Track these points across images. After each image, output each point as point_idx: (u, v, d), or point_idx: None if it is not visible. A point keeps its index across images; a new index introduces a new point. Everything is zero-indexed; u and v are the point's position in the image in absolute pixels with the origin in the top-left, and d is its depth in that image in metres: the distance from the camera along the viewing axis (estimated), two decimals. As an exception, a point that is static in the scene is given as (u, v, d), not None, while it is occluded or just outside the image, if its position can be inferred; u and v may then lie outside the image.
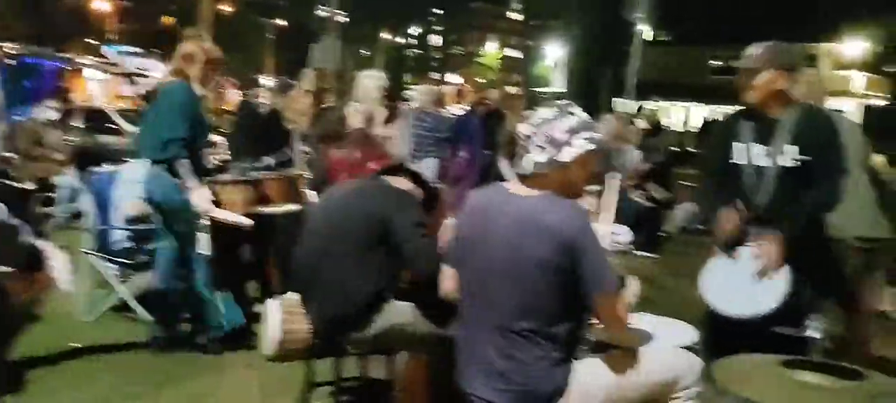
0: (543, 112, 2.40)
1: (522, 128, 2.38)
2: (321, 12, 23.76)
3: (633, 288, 4.24)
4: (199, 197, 4.08)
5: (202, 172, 4.21)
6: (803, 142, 3.06)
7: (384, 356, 3.36)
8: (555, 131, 2.32)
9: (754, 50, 3.17)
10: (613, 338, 2.50)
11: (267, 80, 17.93)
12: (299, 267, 3.16)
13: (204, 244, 4.23)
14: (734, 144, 3.24)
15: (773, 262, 2.94)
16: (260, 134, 6.02)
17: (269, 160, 5.78)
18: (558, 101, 2.45)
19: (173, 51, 4.33)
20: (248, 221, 4.38)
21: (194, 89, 4.17)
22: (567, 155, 2.30)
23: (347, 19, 28.93)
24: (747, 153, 3.19)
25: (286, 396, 3.52)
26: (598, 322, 2.40)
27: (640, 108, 15.95)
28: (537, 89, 38.10)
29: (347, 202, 3.10)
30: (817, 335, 2.34)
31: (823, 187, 3.04)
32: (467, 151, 9.24)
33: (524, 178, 2.37)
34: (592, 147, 2.35)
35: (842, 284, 3.47)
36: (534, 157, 2.32)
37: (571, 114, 2.36)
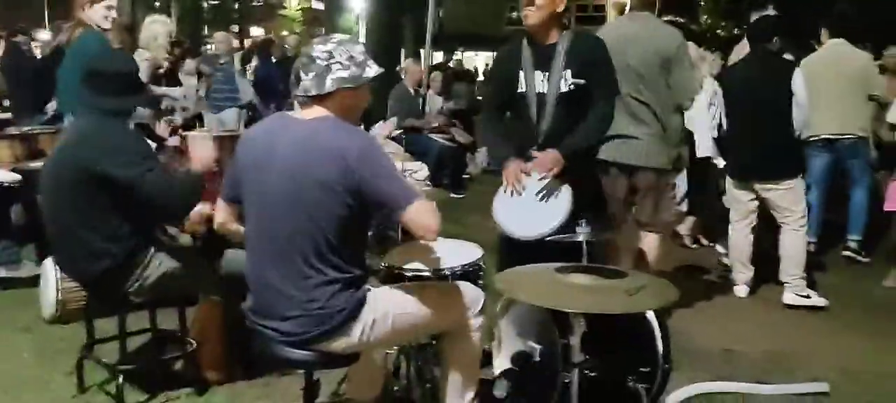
0: (335, 36, 2.41)
1: (310, 50, 2.34)
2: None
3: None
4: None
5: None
6: (577, 65, 3.19)
7: (176, 306, 3.21)
8: (355, 51, 2.33)
9: None
10: (406, 258, 2.55)
11: (42, 32, 16.26)
12: (46, 227, 2.98)
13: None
14: (518, 73, 3.31)
15: (547, 168, 3.04)
16: (34, 82, 5.50)
17: (52, 106, 5.29)
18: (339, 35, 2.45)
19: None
20: (14, 177, 4.00)
21: None
22: (329, 83, 2.30)
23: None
24: (529, 81, 3.28)
25: (65, 356, 3.29)
26: (406, 235, 2.41)
27: (450, 56, 16.29)
28: (343, 41, 37.61)
29: (60, 155, 2.93)
30: (586, 238, 2.54)
31: (597, 110, 3.20)
32: (274, 102, 9.07)
33: (309, 99, 2.35)
34: (359, 78, 2.36)
35: (605, 199, 3.70)
36: (303, 81, 2.31)
37: (330, 40, 2.37)
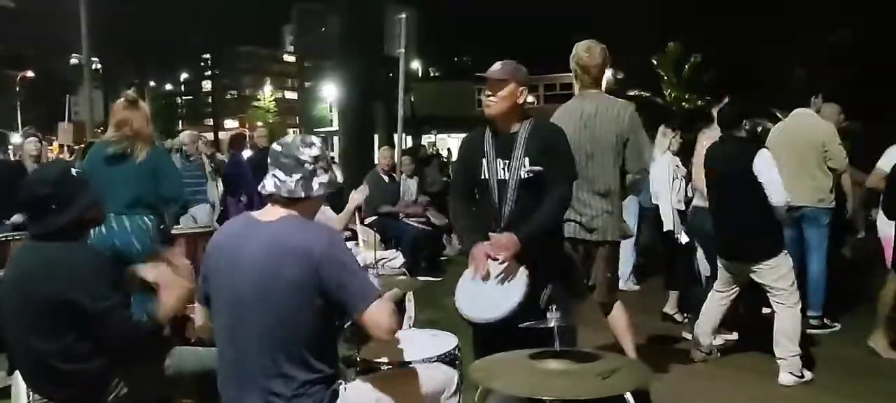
0: (289, 137, 2.48)
1: (294, 151, 2.38)
2: (75, 60, 22.03)
3: (408, 309, 4.37)
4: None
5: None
6: (534, 153, 3.28)
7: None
8: (328, 154, 2.39)
9: (498, 65, 3.36)
10: (383, 350, 2.54)
11: (17, 136, 16.28)
12: (8, 345, 2.85)
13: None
14: (481, 160, 3.40)
15: (503, 253, 3.08)
16: (5, 189, 5.48)
17: (17, 218, 5.26)
18: (299, 132, 2.51)
19: None
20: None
21: None
22: (316, 187, 2.36)
23: (100, 67, 27.04)
24: (491, 168, 3.37)
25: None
26: (366, 335, 2.41)
27: (419, 141, 16.49)
28: (317, 129, 38.16)
29: (24, 281, 2.67)
30: (557, 324, 2.55)
31: (553, 194, 3.25)
32: (245, 195, 9.09)
33: (272, 200, 2.38)
34: (335, 183, 2.45)
35: (575, 279, 3.75)
36: (286, 182, 2.34)
37: (313, 143, 2.42)
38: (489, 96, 3.33)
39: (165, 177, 4.35)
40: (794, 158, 5.48)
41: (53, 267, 2.62)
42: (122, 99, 4.43)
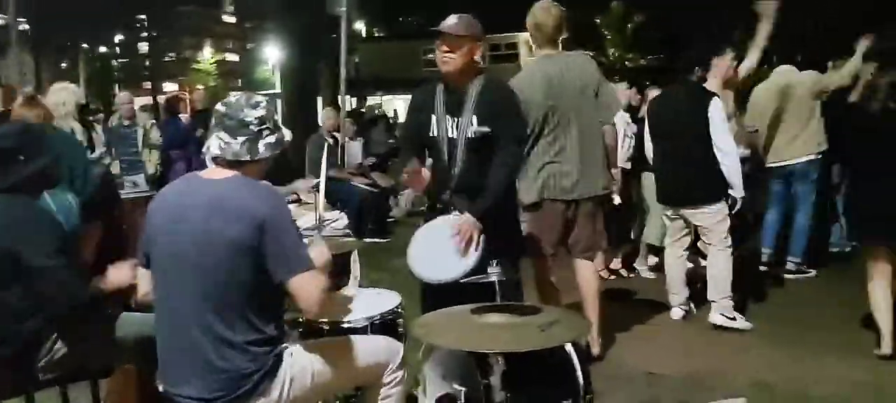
0: (232, 97, 2.40)
1: (238, 113, 2.31)
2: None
3: (354, 270, 4.37)
4: None
5: None
6: (483, 114, 3.24)
7: (88, 379, 3.07)
8: (275, 114, 2.35)
9: (453, 19, 3.25)
10: (314, 318, 2.53)
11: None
12: None
13: None
14: (431, 117, 3.36)
15: (468, 240, 3.08)
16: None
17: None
18: (243, 92, 2.45)
19: None
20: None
21: None
22: (262, 149, 2.32)
23: (29, 28, 25.92)
24: (441, 125, 3.33)
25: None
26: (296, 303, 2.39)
27: (364, 102, 16.33)
28: (260, 92, 37.41)
29: None
30: (498, 278, 2.59)
31: (499, 159, 3.23)
32: (183, 159, 8.89)
33: (216, 161, 2.33)
34: (282, 143, 2.41)
35: (518, 238, 3.74)
36: (231, 144, 2.29)
37: (258, 103, 2.37)
38: (446, 52, 3.24)
39: (72, 159, 4.25)
40: (788, 113, 5.65)
41: (4, 219, 2.64)
42: (20, 97, 4.40)
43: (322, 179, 3.61)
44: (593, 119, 4.04)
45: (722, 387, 3.79)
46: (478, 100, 3.26)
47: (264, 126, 2.32)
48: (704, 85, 4.71)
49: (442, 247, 3.12)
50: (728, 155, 4.53)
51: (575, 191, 3.99)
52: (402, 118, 18.17)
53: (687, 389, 3.81)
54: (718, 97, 4.59)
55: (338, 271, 3.39)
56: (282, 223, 2.23)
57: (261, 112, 2.33)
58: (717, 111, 4.51)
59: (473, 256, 3.04)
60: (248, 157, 2.30)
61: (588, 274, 4.19)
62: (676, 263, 4.91)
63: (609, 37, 34.42)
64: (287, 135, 2.36)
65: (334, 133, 8.74)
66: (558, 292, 4.15)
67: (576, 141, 3.97)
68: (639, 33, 34.00)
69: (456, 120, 3.29)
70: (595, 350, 4.15)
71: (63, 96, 5.36)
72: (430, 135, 3.37)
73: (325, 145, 8.43)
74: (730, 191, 4.58)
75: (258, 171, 2.36)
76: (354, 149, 9.27)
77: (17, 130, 2.88)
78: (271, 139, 2.35)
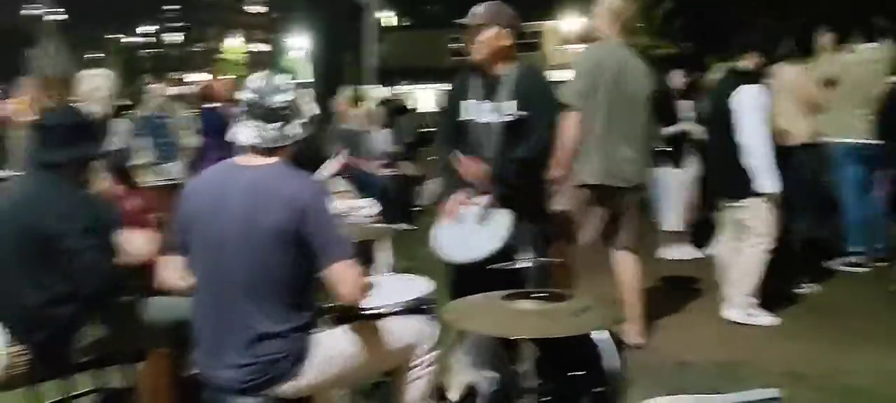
0: (257, 83, 2.37)
1: (268, 100, 2.32)
2: (31, 11, 21.44)
3: (382, 257, 4.37)
4: None
5: None
6: (521, 98, 3.28)
7: (124, 363, 3.11)
8: (275, 101, 2.32)
9: (479, 8, 3.34)
10: (350, 308, 2.53)
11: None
12: None
13: None
14: (462, 103, 3.40)
15: (473, 176, 3.15)
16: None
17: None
18: (265, 74, 2.44)
19: None
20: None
21: None
22: (294, 132, 2.34)
23: (65, 19, 26.36)
24: (475, 110, 3.37)
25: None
26: (333, 291, 2.40)
27: (391, 92, 16.36)
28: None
29: (3, 215, 2.78)
30: (527, 265, 2.57)
31: (532, 137, 3.27)
32: (217, 149, 8.93)
33: (255, 150, 2.34)
34: (311, 123, 2.43)
35: (549, 221, 3.72)
36: (262, 131, 2.30)
37: (285, 88, 2.36)
38: (473, 41, 3.32)
39: None
40: (859, 92, 5.53)
41: (43, 199, 2.69)
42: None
43: (330, 169, 3.65)
44: (644, 111, 4.09)
45: (754, 378, 3.73)
46: (517, 84, 3.30)
47: (292, 110, 2.33)
48: (748, 71, 4.51)
49: (469, 229, 3.15)
50: (748, 148, 4.34)
51: (624, 178, 4.02)
52: (421, 108, 18.20)
53: (718, 379, 3.76)
54: (755, 85, 4.42)
55: (363, 259, 3.40)
56: (323, 210, 2.26)
57: (289, 97, 2.34)
58: (749, 98, 4.35)
59: (501, 235, 3.04)
60: (283, 143, 2.32)
61: (633, 266, 4.18)
62: (727, 255, 4.70)
63: (639, 25, 34.06)
64: (315, 108, 2.38)
65: (351, 123, 8.71)
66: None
67: (639, 128, 4.04)
68: (668, 20, 33.54)
69: (491, 104, 3.33)
70: (635, 340, 4.13)
71: (97, 81, 5.42)
72: (460, 118, 3.41)
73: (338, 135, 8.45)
74: (756, 188, 4.36)
75: (290, 155, 2.38)
76: (380, 138, 9.26)
77: (78, 113, 2.99)
78: (300, 121, 2.36)
